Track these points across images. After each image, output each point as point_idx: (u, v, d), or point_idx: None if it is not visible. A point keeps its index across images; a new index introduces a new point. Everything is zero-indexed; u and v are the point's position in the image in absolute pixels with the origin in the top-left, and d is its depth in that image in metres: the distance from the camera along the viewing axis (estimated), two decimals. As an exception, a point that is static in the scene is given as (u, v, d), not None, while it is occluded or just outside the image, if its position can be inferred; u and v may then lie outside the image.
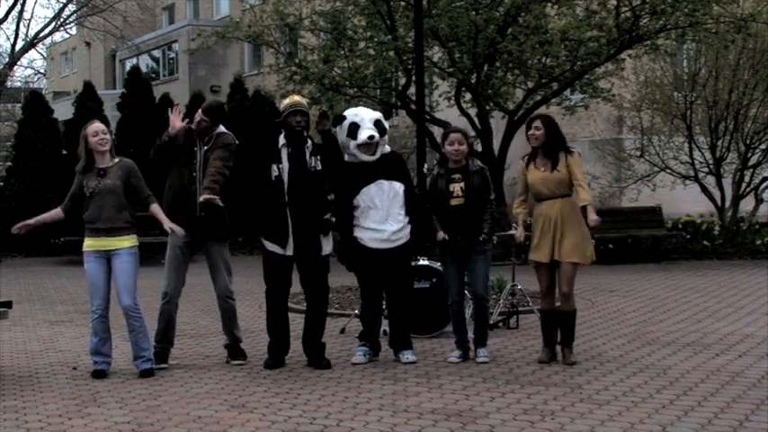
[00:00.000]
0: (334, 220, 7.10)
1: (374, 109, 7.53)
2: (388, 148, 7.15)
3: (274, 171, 6.75)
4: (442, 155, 7.24)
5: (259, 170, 6.82)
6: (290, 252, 6.79)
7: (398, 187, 6.97)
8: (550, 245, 6.80)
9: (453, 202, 6.91)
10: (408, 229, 6.99)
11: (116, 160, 6.69)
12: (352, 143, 6.91)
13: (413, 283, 7.71)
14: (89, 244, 6.64)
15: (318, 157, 6.84)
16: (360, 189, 6.92)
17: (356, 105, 14.73)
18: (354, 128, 6.91)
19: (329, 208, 7.01)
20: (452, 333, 7.24)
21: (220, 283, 7.09)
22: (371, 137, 6.85)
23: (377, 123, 6.94)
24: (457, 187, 6.92)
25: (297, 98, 6.98)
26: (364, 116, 6.97)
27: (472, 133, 13.42)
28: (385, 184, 6.94)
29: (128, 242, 6.61)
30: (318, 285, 6.93)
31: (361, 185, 6.92)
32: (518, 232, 7.20)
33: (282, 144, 6.82)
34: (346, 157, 7.00)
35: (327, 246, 6.90)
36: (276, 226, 6.79)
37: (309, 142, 6.90)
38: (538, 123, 6.92)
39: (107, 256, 6.60)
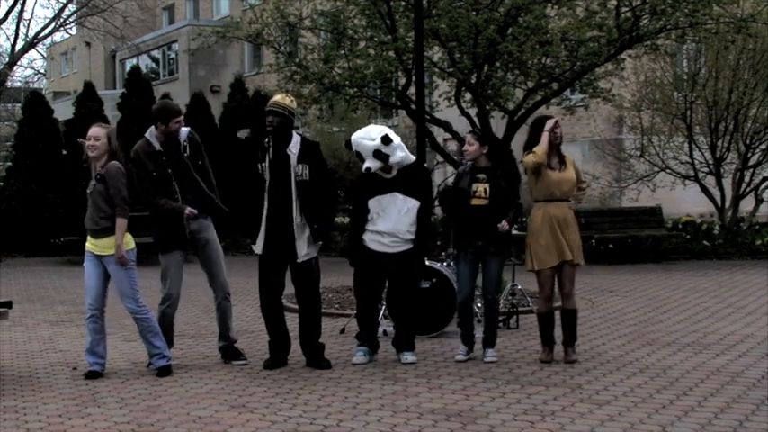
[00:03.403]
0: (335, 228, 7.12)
1: (384, 123, 7.55)
2: (411, 159, 7.09)
3: (259, 168, 6.77)
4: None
5: (249, 165, 6.83)
6: (258, 251, 6.80)
7: (412, 205, 6.95)
8: (566, 246, 6.75)
9: (475, 201, 6.87)
10: (412, 240, 6.99)
11: (107, 163, 6.59)
12: (369, 162, 6.94)
13: (419, 286, 7.63)
14: (87, 245, 6.69)
15: (308, 166, 6.74)
16: (374, 195, 6.94)
17: (356, 105, 14.75)
18: (360, 157, 7.00)
19: (328, 216, 7.01)
20: (459, 330, 7.19)
21: (220, 279, 7.09)
22: (368, 169, 6.89)
23: (375, 154, 6.86)
24: (481, 187, 6.88)
25: (277, 98, 6.90)
26: (365, 146, 6.89)
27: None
28: (399, 197, 6.94)
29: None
30: (305, 288, 6.88)
31: (376, 192, 6.94)
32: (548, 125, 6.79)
33: (268, 141, 6.80)
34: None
35: (312, 250, 6.82)
36: (251, 222, 6.82)
37: (296, 143, 6.79)
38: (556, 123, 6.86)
39: (100, 259, 6.62)
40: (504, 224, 6.76)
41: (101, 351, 6.69)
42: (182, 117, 7.03)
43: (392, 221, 6.90)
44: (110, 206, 6.50)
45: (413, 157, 7.16)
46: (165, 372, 6.60)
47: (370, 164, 6.88)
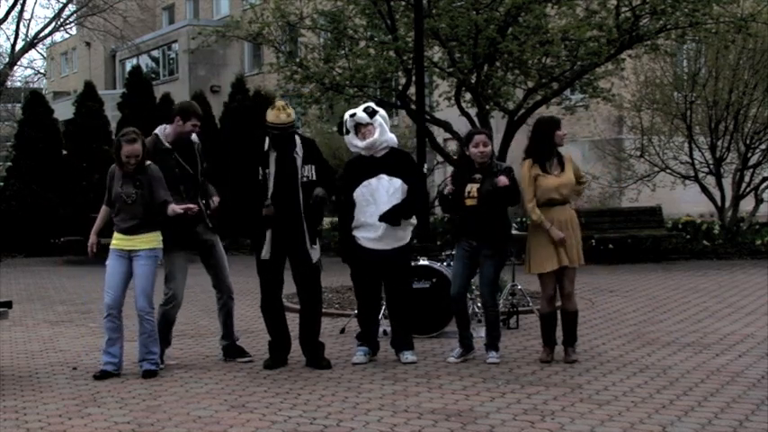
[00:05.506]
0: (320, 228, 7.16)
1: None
2: (392, 140, 7.08)
3: (260, 174, 6.76)
4: (465, 156, 7.11)
5: (246, 171, 6.82)
6: (265, 255, 6.78)
7: (398, 184, 6.94)
8: (567, 250, 6.74)
9: (468, 202, 6.86)
10: (409, 229, 7.00)
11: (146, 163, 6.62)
12: (351, 136, 6.99)
13: (412, 284, 7.65)
14: (115, 243, 6.64)
15: (313, 166, 6.81)
16: (361, 181, 6.93)
17: (356, 105, 14.77)
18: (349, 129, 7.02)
19: (322, 218, 7.02)
20: (455, 329, 7.17)
21: (227, 282, 7.18)
22: (353, 114, 6.93)
23: (365, 109, 7.00)
24: (474, 188, 6.86)
25: (271, 117, 6.70)
26: (355, 110, 7.07)
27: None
28: (385, 179, 6.95)
29: (147, 243, 6.60)
30: (308, 289, 6.90)
31: (363, 178, 6.94)
32: (554, 232, 6.69)
33: (269, 147, 6.77)
34: (353, 150, 7.07)
35: (315, 254, 6.85)
36: (255, 228, 6.83)
37: (299, 145, 6.82)
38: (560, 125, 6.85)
39: (128, 256, 6.61)
40: (502, 178, 6.67)
41: (115, 351, 6.65)
42: (199, 123, 7.01)
43: (382, 204, 6.90)
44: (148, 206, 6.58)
45: (395, 139, 7.16)
46: (150, 375, 6.57)
47: (356, 110, 6.98)
